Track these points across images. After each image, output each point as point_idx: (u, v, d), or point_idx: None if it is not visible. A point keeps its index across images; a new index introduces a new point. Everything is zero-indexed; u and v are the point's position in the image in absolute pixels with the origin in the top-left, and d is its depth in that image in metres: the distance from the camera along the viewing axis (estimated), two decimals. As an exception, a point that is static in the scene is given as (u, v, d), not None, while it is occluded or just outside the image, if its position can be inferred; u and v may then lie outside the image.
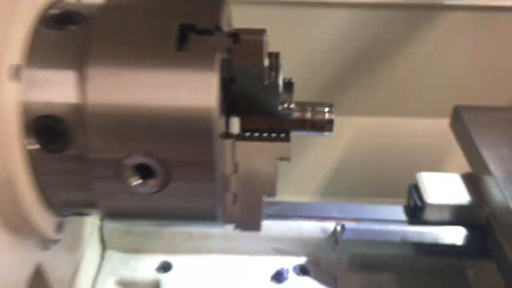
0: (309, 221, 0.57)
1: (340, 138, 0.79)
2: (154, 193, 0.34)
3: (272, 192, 0.39)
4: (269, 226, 0.57)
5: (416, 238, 0.55)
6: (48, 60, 0.33)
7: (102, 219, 0.56)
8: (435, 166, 0.76)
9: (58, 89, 0.33)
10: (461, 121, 0.61)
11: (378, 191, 0.71)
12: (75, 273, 0.50)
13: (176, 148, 0.33)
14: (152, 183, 0.33)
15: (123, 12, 0.34)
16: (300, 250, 0.57)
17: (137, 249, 0.57)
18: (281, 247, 0.57)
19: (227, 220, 0.39)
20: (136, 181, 0.33)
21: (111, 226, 0.56)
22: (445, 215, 0.55)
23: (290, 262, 0.56)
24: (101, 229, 0.56)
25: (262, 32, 0.34)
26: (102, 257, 0.56)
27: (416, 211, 0.56)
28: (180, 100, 0.32)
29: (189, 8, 0.35)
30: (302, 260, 0.57)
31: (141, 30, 0.33)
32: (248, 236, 0.57)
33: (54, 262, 0.44)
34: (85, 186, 0.34)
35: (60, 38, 0.34)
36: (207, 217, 0.37)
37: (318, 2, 0.73)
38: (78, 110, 0.32)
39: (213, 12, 0.34)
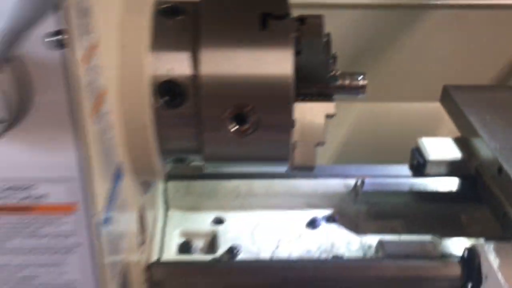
0: (333, 179, 0.70)
1: (346, 120, 0.92)
2: (246, 137, 0.46)
3: (321, 141, 0.52)
4: (301, 184, 0.70)
5: (420, 189, 0.69)
6: (167, 41, 0.45)
7: (166, 181, 0.67)
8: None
9: (177, 62, 0.45)
10: (449, 97, 0.75)
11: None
12: (152, 225, 0.61)
13: (263, 104, 0.45)
14: (245, 127, 0.46)
15: (219, 6, 0.47)
16: (327, 203, 0.70)
17: (194, 208, 0.68)
18: (312, 202, 0.70)
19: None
20: (233, 127, 0.46)
21: (173, 189, 0.68)
22: (443, 169, 0.69)
23: (320, 213, 0.69)
24: (165, 192, 0.68)
25: (321, 16, 0.47)
26: (166, 215, 0.68)
27: (419, 168, 0.70)
28: (266, 69, 0.45)
29: (266, 1, 0.47)
30: (329, 211, 0.69)
31: (234, 18, 0.46)
32: (284, 193, 0.69)
33: (145, 211, 0.56)
34: (193, 135, 0.47)
35: (171, 25, 0.46)
36: (281, 159, 0.49)
37: (319, 4, 0.86)
38: (193, 78, 0.44)
39: (284, 2, 0.47)
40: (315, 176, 0.69)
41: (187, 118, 0.46)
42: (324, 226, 0.68)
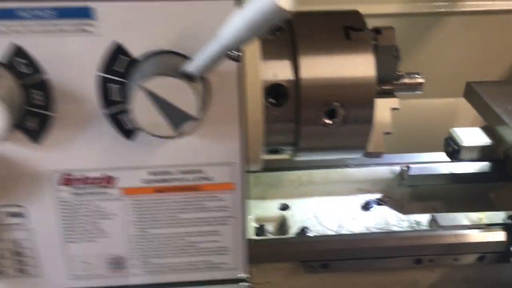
0: (381, 166, 0.80)
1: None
2: (336, 128, 0.56)
3: (388, 131, 0.62)
4: (354, 173, 0.80)
5: (455, 172, 0.79)
6: (271, 52, 0.54)
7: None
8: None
9: (281, 68, 0.54)
10: (473, 92, 0.85)
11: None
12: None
13: (352, 101, 0.55)
14: (337, 121, 0.55)
15: (308, 23, 0.56)
16: (377, 188, 0.80)
17: (262, 197, 0.78)
18: (363, 187, 0.80)
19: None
20: (328, 120, 0.55)
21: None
22: (475, 154, 0.79)
23: (371, 197, 0.79)
24: (236, 183, 0.77)
25: (393, 28, 0.57)
26: (238, 204, 0.77)
27: (454, 154, 0.80)
28: (353, 72, 0.54)
29: (346, 17, 0.57)
30: (379, 195, 0.79)
31: (322, 31, 0.55)
32: (339, 181, 0.79)
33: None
34: (291, 129, 0.56)
35: (273, 39, 0.55)
36: (360, 148, 0.59)
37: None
38: (294, 81, 0.54)
39: (359, 17, 0.57)
40: (365, 165, 0.79)
41: (288, 115, 0.55)
42: (375, 207, 0.78)
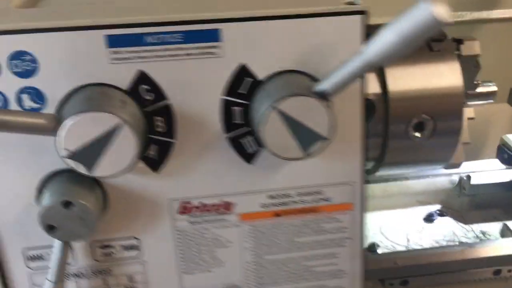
0: (440, 177, 0.79)
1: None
2: (424, 141, 0.55)
3: (467, 141, 0.61)
4: (412, 185, 0.79)
5: (513, 179, 0.79)
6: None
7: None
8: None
9: (368, 82, 0.53)
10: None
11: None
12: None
13: (440, 112, 0.54)
14: (425, 133, 0.54)
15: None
16: (436, 199, 0.79)
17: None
18: (422, 199, 0.79)
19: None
20: (416, 133, 0.54)
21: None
22: (531, 160, 0.79)
23: (431, 208, 0.78)
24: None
25: (474, 38, 0.57)
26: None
27: (509, 160, 0.80)
28: (440, 82, 0.54)
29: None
30: (439, 206, 0.78)
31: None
32: (398, 194, 0.78)
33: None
34: (378, 143, 0.55)
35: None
36: (446, 159, 0.58)
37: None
38: (382, 94, 0.53)
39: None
40: (423, 177, 0.79)
41: (374, 129, 0.54)
42: (437, 219, 0.77)
